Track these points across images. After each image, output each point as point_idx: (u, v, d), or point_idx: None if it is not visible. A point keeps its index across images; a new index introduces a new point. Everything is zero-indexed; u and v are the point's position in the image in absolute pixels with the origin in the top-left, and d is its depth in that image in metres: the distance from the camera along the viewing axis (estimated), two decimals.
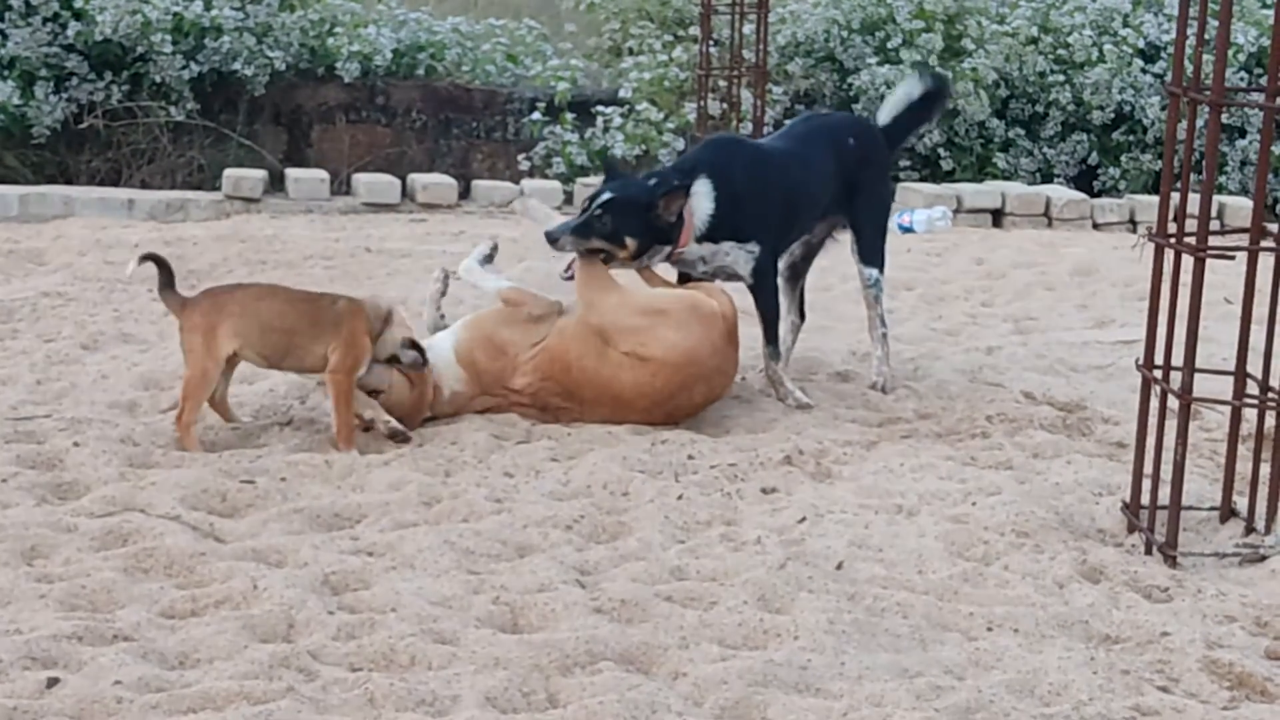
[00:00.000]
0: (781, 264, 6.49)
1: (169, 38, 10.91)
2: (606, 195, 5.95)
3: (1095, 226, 11.07)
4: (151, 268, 5.54)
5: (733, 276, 6.25)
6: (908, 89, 6.81)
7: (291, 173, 10.64)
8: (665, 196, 5.93)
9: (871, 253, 6.57)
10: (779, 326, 6.34)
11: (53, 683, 3.71)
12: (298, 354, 5.53)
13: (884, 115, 6.80)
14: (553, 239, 5.92)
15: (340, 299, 5.65)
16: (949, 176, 12.07)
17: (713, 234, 6.09)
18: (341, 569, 4.44)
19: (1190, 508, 4.96)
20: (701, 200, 6.04)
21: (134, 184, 10.79)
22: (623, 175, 6.34)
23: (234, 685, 3.70)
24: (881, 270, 6.58)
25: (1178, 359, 4.76)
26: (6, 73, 10.77)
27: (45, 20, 10.84)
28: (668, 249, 6.03)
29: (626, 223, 5.92)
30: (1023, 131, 12.26)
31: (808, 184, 6.38)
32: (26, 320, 7.19)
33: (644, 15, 12.71)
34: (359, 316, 5.54)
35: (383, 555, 4.57)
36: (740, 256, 6.15)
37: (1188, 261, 4.67)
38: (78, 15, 10.89)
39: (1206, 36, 4.71)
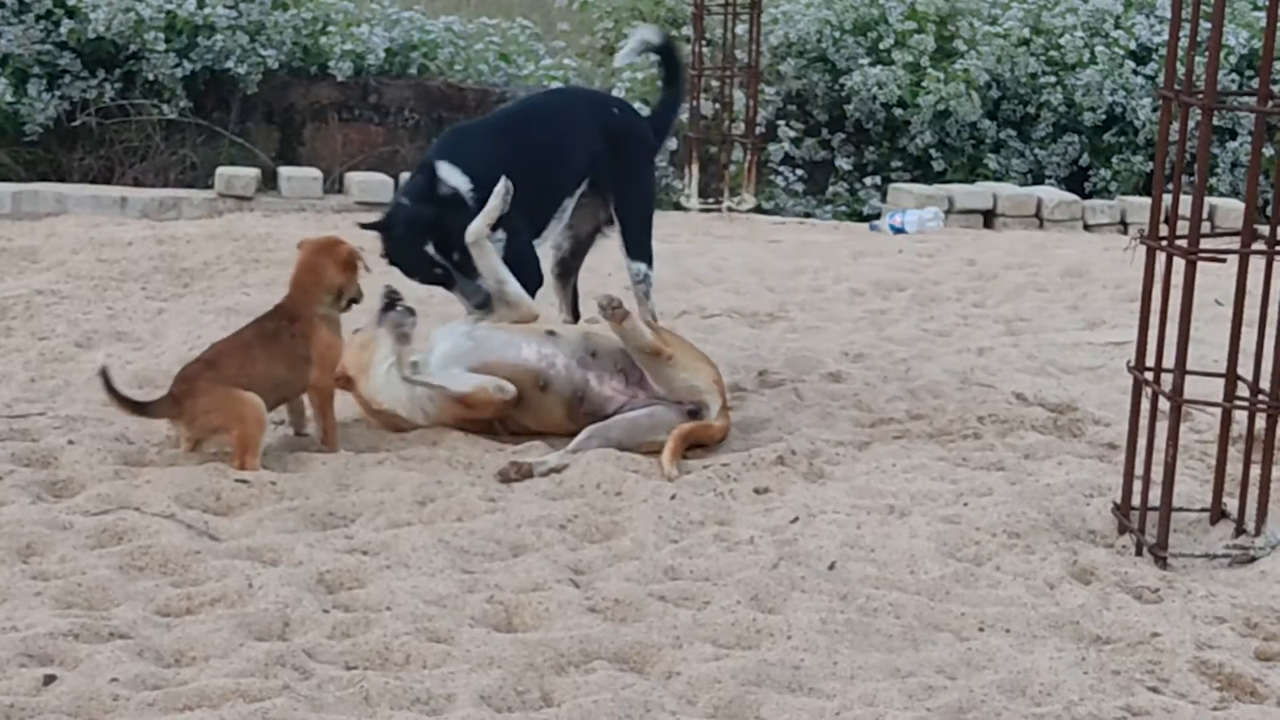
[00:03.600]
0: (551, 259, 6.19)
1: (162, 36, 10.92)
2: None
3: (1086, 228, 11.08)
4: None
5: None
6: (644, 35, 6.72)
7: (284, 171, 10.64)
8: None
9: (638, 246, 6.28)
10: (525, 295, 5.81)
11: (49, 680, 3.72)
12: None
13: (621, 59, 6.88)
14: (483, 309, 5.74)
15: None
16: (940, 177, 12.10)
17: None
18: (336, 567, 4.45)
19: (1181, 509, 4.98)
20: (456, 177, 5.73)
21: (127, 182, 10.79)
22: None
23: (230, 683, 3.71)
24: (650, 265, 6.32)
25: (1169, 361, 4.79)
26: None
27: (38, 18, 10.85)
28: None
29: (420, 252, 5.70)
30: (1014, 133, 12.29)
31: (562, 140, 6.05)
32: (20, 318, 7.18)
33: (637, 14, 12.72)
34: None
35: (377, 554, 4.58)
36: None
37: (1179, 263, 4.69)
38: (71, 13, 10.89)
39: (1199, 39, 4.73)
